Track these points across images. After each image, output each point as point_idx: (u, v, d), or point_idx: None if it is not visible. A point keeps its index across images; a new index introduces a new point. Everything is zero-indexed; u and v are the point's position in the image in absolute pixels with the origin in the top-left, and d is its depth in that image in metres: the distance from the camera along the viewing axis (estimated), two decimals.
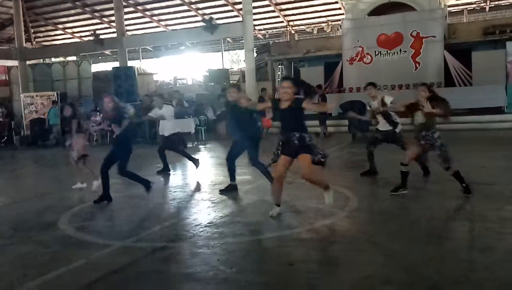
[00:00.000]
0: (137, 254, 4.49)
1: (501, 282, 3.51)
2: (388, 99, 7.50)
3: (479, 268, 3.78)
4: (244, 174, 8.51)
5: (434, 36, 17.43)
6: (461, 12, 23.96)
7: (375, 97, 7.56)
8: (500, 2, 23.29)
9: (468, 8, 23.77)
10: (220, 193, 7.04)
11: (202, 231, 5.15)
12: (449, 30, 19.09)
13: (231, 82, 22.16)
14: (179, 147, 9.64)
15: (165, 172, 9.18)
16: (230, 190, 7.06)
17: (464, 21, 23.16)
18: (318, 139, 14.24)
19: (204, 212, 6.04)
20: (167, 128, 9.25)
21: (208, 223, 5.46)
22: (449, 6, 21.73)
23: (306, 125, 5.40)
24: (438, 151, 6.06)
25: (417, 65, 17.68)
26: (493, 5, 23.44)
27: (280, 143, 5.37)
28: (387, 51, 18.17)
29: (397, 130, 7.44)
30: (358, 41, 18.56)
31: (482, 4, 23.51)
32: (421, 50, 17.63)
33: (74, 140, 7.91)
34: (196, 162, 9.19)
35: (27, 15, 27.48)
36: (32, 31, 29.71)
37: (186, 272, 4.00)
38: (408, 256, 4.12)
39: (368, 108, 7.74)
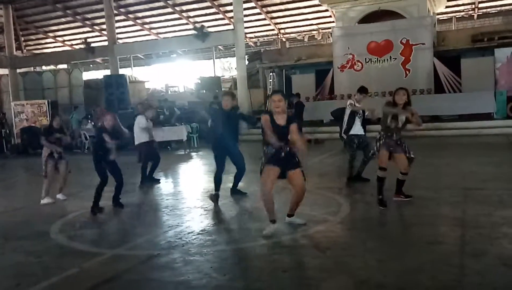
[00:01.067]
0: (130, 262, 4.47)
1: (493, 287, 3.54)
2: (366, 112, 7.71)
3: (471, 273, 3.81)
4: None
5: (423, 44, 17.62)
6: (449, 19, 24.28)
7: (360, 101, 7.76)
8: (488, 10, 23.65)
9: (457, 16, 24.10)
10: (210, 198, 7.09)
11: (195, 238, 5.14)
12: (438, 37, 19.31)
13: (223, 89, 22.18)
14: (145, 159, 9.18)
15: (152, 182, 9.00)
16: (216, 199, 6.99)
17: (453, 28, 23.46)
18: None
19: (197, 220, 6.03)
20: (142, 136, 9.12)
21: (201, 230, 5.46)
22: (438, 14, 22.00)
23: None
24: (409, 155, 6.09)
25: (407, 72, 17.84)
26: (481, 13, 23.80)
27: (267, 154, 5.09)
28: (377, 58, 18.32)
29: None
30: (348, 48, 18.70)
31: (470, 12, 23.86)
32: (410, 57, 17.80)
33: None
34: (144, 182, 8.89)
35: (17, 23, 27.39)
36: (23, 39, 29.61)
37: (179, 279, 3.98)
38: (401, 261, 4.15)
39: (348, 109, 7.76)
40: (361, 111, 7.71)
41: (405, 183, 6.30)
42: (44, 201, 7.57)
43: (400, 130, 6.10)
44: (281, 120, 5.04)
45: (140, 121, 9.12)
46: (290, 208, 5.41)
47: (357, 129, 7.74)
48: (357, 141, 7.75)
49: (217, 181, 6.97)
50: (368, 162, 7.68)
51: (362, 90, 7.84)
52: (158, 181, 9.06)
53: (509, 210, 5.60)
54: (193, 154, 14.68)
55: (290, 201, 5.41)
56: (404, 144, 6.11)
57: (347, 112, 7.78)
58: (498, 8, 23.36)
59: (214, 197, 6.85)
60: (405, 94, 6.07)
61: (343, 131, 7.94)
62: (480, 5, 23.31)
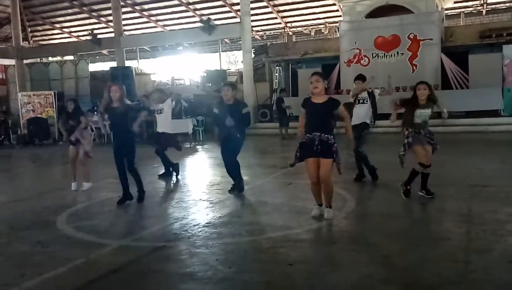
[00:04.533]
0: (136, 254, 4.49)
1: (498, 283, 3.53)
2: (376, 92, 7.50)
3: (476, 269, 3.80)
4: (242, 175, 8.51)
5: (431, 39, 17.50)
6: (458, 15, 24.09)
7: (363, 90, 7.41)
8: (497, 5, 23.46)
9: (465, 11, 23.91)
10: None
11: (200, 231, 5.16)
12: (446, 33, 19.17)
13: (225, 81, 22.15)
14: (165, 149, 8.75)
15: (167, 176, 8.61)
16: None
17: (461, 24, 23.28)
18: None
19: (203, 212, 6.05)
20: (164, 124, 8.71)
21: (207, 223, 5.47)
22: (446, 9, 21.82)
23: (332, 126, 5.38)
24: (435, 147, 6.05)
25: (414, 67, 17.74)
26: (490, 9, 23.61)
27: (300, 145, 5.36)
28: (384, 53, 18.21)
29: (371, 125, 7.47)
30: (355, 43, 18.60)
31: (479, 8, 23.67)
32: (418, 53, 17.69)
33: (80, 136, 7.83)
34: (176, 171, 8.58)
35: (24, 14, 27.45)
36: (30, 30, 29.67)
37: (184, 271, 4.01)
38: (406, 256, 4.15)
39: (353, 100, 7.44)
40: (362, 97, 7.38)
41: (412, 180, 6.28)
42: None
43: (426, 124, 6.03)
44: (317, 99, 5.35)
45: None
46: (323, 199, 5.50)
47: (354, 118, 7.22)
48: (355, 133, 7.17)
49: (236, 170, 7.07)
50: (359, 154, 7.37)
51: (355, 78, 7.56)
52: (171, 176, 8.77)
53: None
54: (199, 147, 14.71)
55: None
56: (432, 137, 6.04)
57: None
58: (507, 4, 23.17)
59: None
60: (426, 88, 5.96)
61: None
62: (489, 1, 23.13)
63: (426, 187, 6.16)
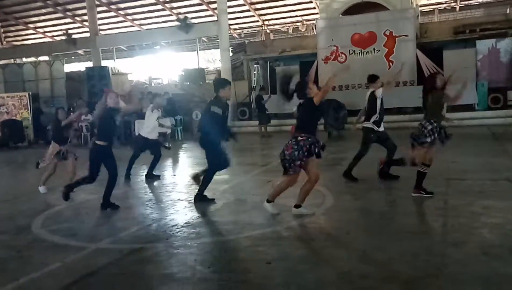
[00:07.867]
0: (113, 256, 4.43)
1: (474, 275, 3.59)
2: (379, 92, 7.16)
3: (452, 262, 3.86)
4: (221, 173, 8.48)
5: (406, 35, 17.70)
6: (432, 11, 24.44)
7: (377, 87, 7.11)
8: (470, 2, 23.86)
9: (439, 8, 24.26)
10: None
11: (179, 231, 5.12)
12: (421, 29, 19.43)
13: (207, 81, 21.99)
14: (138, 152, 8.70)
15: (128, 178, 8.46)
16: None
17: (435, 20, 23.62)
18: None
19: (181, 213, 6.00)
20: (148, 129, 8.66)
21: (185, 223, 5.44)
22: (421, 6, 22.13)
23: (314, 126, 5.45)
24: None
25: (391, 63, 17.91)
26: (463, 5, 23.99)
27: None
28: (361, 50, 18.35)
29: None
30: (332, 40, 18.70)
31: (452, 4, 24.04)
32: (394, 49, 17.87)
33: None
34: (127, 177, 8.44)
35: None
36: (2, 30, 29.06)
37: (163, 272, 3.97)
38: (383, 251, 4.19)
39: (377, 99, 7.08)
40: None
41: (388, 173, 6.33)
42: (41, 189, 7.71)
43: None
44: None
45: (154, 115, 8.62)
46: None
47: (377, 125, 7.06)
48: (375, 138, 7.11)
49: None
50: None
51: (375, 78, 7.21)
52: (158, 177, 8.64)
53: (490, 200, 5.70)
54: (177, 147, 14.60)
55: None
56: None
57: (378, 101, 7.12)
58: (480, 0, 23.59)
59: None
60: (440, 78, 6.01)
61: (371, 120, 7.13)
62: None
63: (422, 185, 6.05)
